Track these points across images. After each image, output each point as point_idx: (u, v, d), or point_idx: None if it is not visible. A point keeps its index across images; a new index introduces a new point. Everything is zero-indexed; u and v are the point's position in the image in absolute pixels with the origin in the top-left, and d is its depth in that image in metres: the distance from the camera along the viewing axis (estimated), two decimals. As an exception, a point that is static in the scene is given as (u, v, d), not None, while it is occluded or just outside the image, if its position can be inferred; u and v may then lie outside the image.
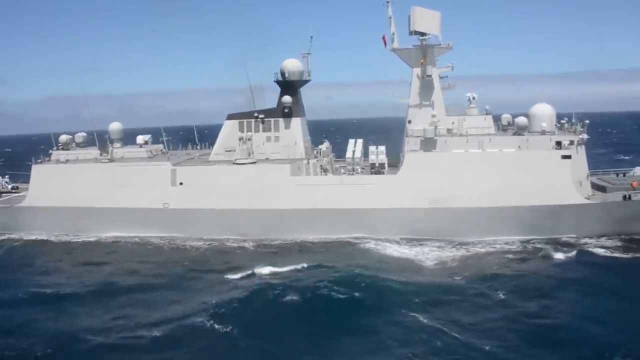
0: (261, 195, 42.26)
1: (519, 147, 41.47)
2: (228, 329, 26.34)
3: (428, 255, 37.78)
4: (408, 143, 42.68)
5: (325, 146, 47.21)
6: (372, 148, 44.51)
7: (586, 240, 40.03)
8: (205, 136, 57.60)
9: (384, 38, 45.08)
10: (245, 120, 46.23)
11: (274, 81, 46.67)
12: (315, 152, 46.93)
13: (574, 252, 37.26)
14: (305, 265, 35.49)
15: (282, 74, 46.33)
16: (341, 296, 29.98)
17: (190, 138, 57.50)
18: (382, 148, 44.65)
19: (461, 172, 40.62)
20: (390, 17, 44.75)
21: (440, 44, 44.28)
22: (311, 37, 47.30)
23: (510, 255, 37.55)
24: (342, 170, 44.38)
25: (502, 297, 29.80)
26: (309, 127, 49.83)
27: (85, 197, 45.10)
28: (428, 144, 42.07)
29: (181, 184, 43.81)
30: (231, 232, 42.80)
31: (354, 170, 43.81)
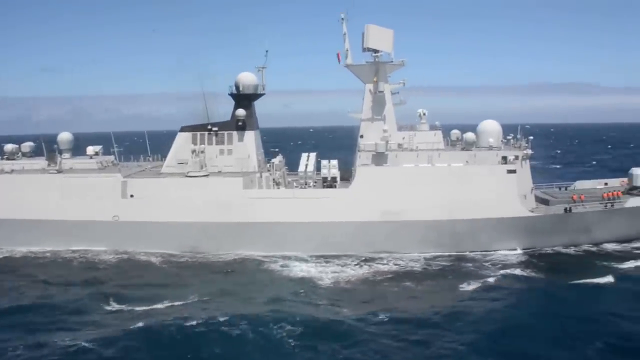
0: (213, 208, 42.22)
1: (467, 161, 42.76)
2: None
3: (328, 275, 37.74)
4: (360, 157, 43.43)
5: (278, 159, 47.49)
6: (324, 162, 45.01)
7: (498, 256, 41.48)
8: (158, 143, 56.73)
9: (338, 55, 45.85)
10: (198, 133, 46.13)
11: (229, 94, 46.78)
12: (268, 165, 47.18)
13: (471, 273, 37.86)
14: (196, 297, 33.30)
15: (237, 87, 46.49)
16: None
17: (142, 148, 56.64)
18: (335, 162, 45.22)
19: (411, 186, 41.66)
20: (345, 34, 45.54)
21: (392, 61, 45.31)
22: (266, 51, 47.73)
23: (409, 274, 38.00)
24: (295, 184, 44.76)
25: (372, 329, 28.14)
26: (266, 135, 50.07)
27: (31, 209, 44.05)
28: (379, 158, 42.91)
29: (132, 196, 43.32)
30: (182, 245, 42.58)
31: (306, 184, 44.25)
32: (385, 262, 40.40)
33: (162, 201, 42.81)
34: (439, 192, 41.47)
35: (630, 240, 44.43)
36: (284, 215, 41.78)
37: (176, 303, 32.34)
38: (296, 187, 44.22)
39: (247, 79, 46.49)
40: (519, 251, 42.22)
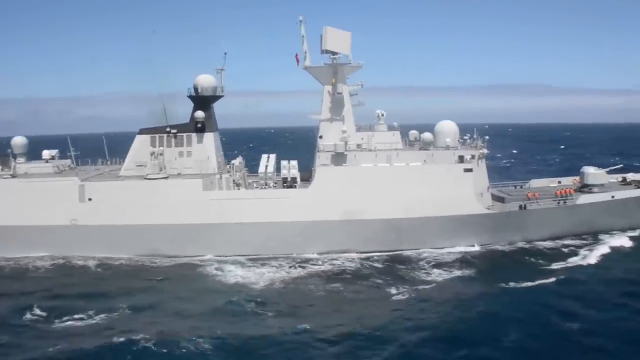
0: (173, 211, 41.98)
1: (424, 161, 43.56)
2: None
3: (264, 276, 37.74)
4: (319, 158, 43.80)
5: (238, 161, 47.45)
6: (284, 162, 45.21)
7: (432, 254, 41.96)
8: (116, 146, 55.84)
9: (296, 56, 46.10)
10: (157, 135, 45.75)
11: (187, 96, 46.56)
12: (228, 167, 47.12)
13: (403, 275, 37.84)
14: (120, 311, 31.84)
15: (195, 89, 46.31)
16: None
17: (100, 150, 55.59)
18: (294, 163, 45.47)
19: (371, 186, 42.27)
20: (303, 36, 45.80)
21: (350, 63, 45.81)
22: (225, 53, 47.70)
23: (341, 276, 37.88)
24: (255, 185, 44.84)
25: (294, 345, 27.19)
26: (227, 136, 49.87)
27: None
28: (338, 158, 43.36)
29: (90, 199, 42.72)
30: (142, 248, 42.18)
31: (266, 185, 44.38)
32: (320, 262, 40.54)
33: (121, 204, 42.29)
34: (398, 191, 42.19)
35: (582, 234, 45.97)
36: (245, 216, 41.82)
37: (98, 318, 30.83)
38: (256, 188, 44.30)
39: (206, 80, 46.37)
40: (462, 249, 43.06)
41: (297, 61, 45.93)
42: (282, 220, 41.77)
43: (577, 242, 44.68)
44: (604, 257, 40.69)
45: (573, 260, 40.09)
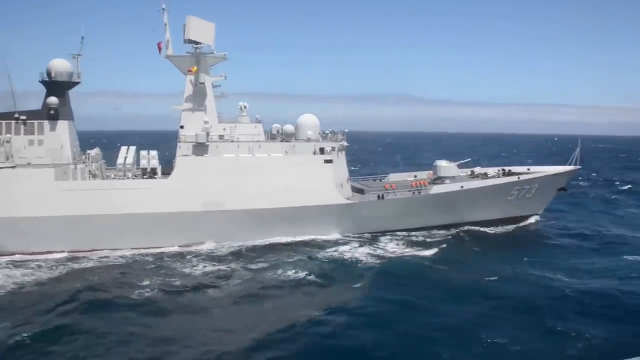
0: (22, 202, 39.40)
1: (286, 152, 44.26)
2: None
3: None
4: (180, 148, 43.06)
5: (95, 152, 45.46)
6: (143, 153, 44.02)
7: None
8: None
9: (159, 45, 45.07)
10: (4, 122, 42.69)
11: (39, 81, 43.83)
12: (84, 157, 45.01)
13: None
14: None
15: (49, 74, 43.71)
16: None
17: None
18: (154, 153, 44.42)
19: (233, 176, 42.27)
20: (166, 24, 44.79)
21: (213, 53, 45.50)
22: (82, 37, 45.42)
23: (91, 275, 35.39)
24: (112, 176, 43.24)
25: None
26: (94, 138, 47.28)
27: None
28: (200, 149, 42.90)
29: None
30: None
31: (125, 176, 42.96)
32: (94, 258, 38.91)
33: None
34: (260, 182, 42.56)
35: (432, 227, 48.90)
36: (101, 208, 40.07)
37: None
38: (114, 178, 42.74)
39: (61, 65, 43.79)
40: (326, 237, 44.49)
41: (160, 49, 44.96)
42: (141, 212, 40.55)
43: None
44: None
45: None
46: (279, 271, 36.03)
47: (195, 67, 44.03)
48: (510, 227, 50.82)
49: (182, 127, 44.14)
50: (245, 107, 46.61)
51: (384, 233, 46.35)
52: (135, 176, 43.31)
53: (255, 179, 42.65)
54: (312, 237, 43.98)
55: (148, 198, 40.81)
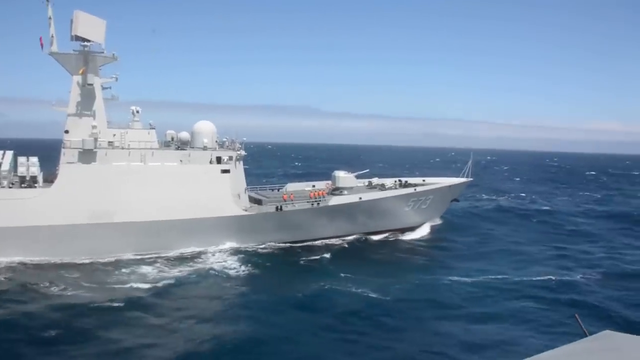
0: None
1: (181, 161, 42.13)
2: None
3: None
4: (65, 154, 39.63)
5: (-37, 157, 41.04)
6: (21, 159, 40.13)
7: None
8: None
9: (40, 39, 41.37)
10: None
11: None
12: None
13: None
14: None
15: None
16: None
17: None
18: (35, 159, 40.61)
19: (122, 186, 39.57)
20: (50, 18, 41.23)
21: (104, 53, 42.50)
22: None
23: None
24: None
25: None
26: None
27: None
28: (87, 156, 39.74)
29: None
30: None
31: (0, 184, 38.98)
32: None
33: None
34: (152, 192, 40.16)
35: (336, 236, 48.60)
36: None
37: None
38: None
39: None
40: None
41: (42, 45, 41.26)
42: (16, 225, 36.88)
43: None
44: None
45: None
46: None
47: (83, 68, 40.82)
48: (391, 238, 51.26)
49: (67, 131, 40.68)
50: (137, 111, 43.91)
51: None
52: (12, 184, 39.42)
53: (148, 189, 40.17)
54: (205, 249, 42.12)
55: (27, 210, 37.18)
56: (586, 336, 6.18)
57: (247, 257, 41.53)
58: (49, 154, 46.78)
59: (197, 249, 41.70)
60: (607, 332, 6.07)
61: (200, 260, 40.14)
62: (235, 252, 42.46)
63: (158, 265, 38.48)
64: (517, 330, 28.59)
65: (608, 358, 5.48)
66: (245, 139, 46.05)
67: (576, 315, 7.92)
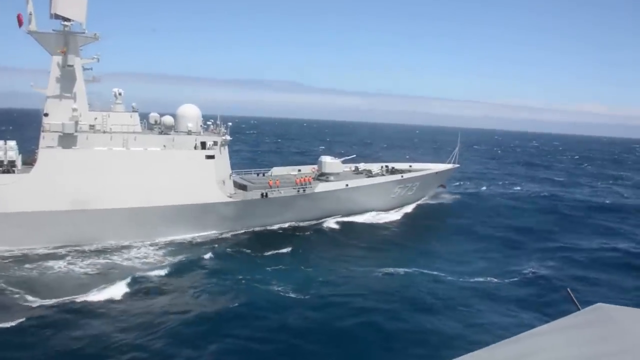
0: None
1: (164, 146, 41.10)
2: None
3: None
4: (44, 138, 38.32)
5: None
6: None
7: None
8: None
9: (18, 17, 39.73)
10: None
11: None
12: None
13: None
14: None
15: None
16: None
17: None
18: (12, 143, 39.24)
19: (104, 171, 38.50)
20: None
21: (85, 33, 40.98)
22: None
23: None
24: None
25: None
26: None
27: None
28: (67, 140, 38.48)
29: None
30: None
31: None
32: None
33: None
34: (135, 178, 39.14)
35: (320, 219, 48.05)
36: None
37: None
38: None
39: None
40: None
41: (20, 23, 39.65)
42: None
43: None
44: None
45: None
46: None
47: (64, 48, 39.39)
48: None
49: (46, 114, 39.31)
50: (120, 94, 42.63)
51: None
52: None
53: (130, 175, 39.14)
54: (189, 236, 41.39)
55: (5, 196, 36.03)
56: (579, 310, 6.13)
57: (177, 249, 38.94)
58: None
59: (179, 237, 40.94)
60: (600, 305, 6.02)
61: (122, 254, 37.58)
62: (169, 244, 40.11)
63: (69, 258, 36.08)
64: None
65: (603, 330, 5.48)
66: (230, 123, 45.04)
67: (568, 289, 7.79)
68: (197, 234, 41.69)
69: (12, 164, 37.98)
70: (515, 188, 79.49)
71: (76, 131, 38.69)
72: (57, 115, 39.11)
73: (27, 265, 33.99)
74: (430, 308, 29.56)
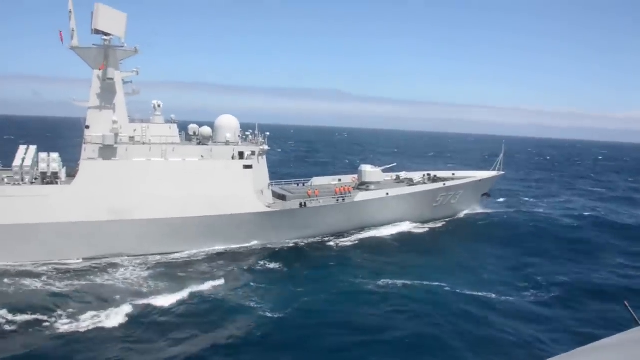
0: None
1: (202, 156, 41.18)
2: None
3: None
4: (85, 150, 38.95)
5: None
6: (42, 155, 39.51)
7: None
8: None
9: (60, 34, 40.70)
10: None
11: None
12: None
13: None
14: None
15: None
16: None
17: None
18: (55, 155, 39.93)
19: (143, 182, 38.77)
20: (71, 12, 40.52)
21: (124, 46, 41.69)
22: None
23: None
24: (6, 180, 38.60)
25: None
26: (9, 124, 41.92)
27: None
28: (107, 151, 39.00)
29: None
30: None
31: (22, 181, 38.48)
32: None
33: None
34: (173, 189, 39.26)
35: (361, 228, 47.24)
36: None
37: None
38: (8, 183, 38.17)
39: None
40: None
41: (62, 39, 40.62)
42: (39, 222, 36.32)
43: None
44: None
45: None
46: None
47: (103, 64, 40.07)
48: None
49: (87, 127, 40.05)
50: (159, 105, 43.11)
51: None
52: (35, 179, 38.95)
53: (168, 185, 39.29)
54: (229, 247, 41.20)
55: (48, 206, 36.57)
56: (638, 324, 5.70)
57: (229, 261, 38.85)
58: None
59: (219, 248, 40.81)
60: None
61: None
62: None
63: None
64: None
65: None
66: (268, 133, 44.86)
67: (626, 302, 7.10)
68: (236, 246, 41.44)
69: (55, 175, 38.62)
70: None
71: (116, 143, 39.17)
72: (98, 127, 39.75)
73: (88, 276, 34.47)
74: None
